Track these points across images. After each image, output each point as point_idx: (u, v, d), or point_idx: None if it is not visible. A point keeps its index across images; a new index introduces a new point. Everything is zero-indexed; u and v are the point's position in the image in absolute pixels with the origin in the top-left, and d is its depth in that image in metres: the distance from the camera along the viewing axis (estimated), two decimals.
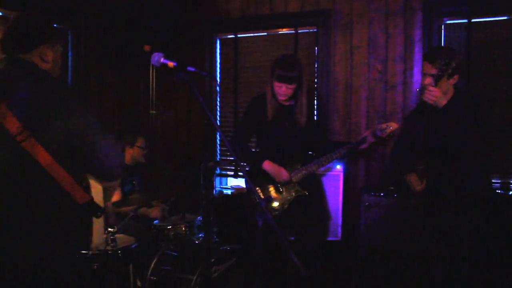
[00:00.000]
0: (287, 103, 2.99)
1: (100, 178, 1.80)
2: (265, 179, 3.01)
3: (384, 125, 2.92)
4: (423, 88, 2.51)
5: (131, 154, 3.51)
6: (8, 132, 1.54)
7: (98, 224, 1.78)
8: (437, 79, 2.41)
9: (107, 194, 1.96)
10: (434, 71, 2.43)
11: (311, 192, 3.13)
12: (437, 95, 2.39)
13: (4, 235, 1.61)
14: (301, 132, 3.05)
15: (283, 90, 2.87)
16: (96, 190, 1.81)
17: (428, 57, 2.52)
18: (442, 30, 3.57)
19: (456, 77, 2.47)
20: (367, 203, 3.39)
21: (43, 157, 1.55)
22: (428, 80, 2.48)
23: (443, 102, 2.44)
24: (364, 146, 2.97)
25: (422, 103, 2.59)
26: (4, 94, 1.57)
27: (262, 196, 2.97)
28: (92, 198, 1.71)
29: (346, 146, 2.95)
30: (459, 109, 2.45)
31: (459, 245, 2.54)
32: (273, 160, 2.99)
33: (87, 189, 1.72)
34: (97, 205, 1.73)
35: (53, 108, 1.58)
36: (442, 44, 3.56)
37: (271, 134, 3.04)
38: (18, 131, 1.53)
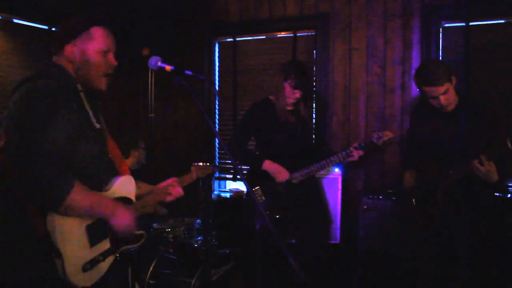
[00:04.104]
0: (291, 108, 3.03)
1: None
2: (265, 180, 3.00)
3: (380, 133, 2.95)
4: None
5: (137, 157, 3.49)
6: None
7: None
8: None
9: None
10: (443, 89, 2.41)
11: (312, 195, 3.13)
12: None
13: None
14: (303, 136, 3.07)
15: (296, 96, 2.95)
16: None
17: (427, 82, 2.45)
18: (440, 33, 3.58)
19: (453, 78, 2.47)
20: (365, 206, 3.39)
21: None
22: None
23: (451, 106, 2.49)
24: (359, 153, 2.96)
25: (426, 103, 2.59)
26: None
27: (264, 198, 2.98)
28: (46, 234, 1.39)
29: (345, 151, 2.95)
30: (466, 114, 2.47)
31: (458, 246, 2.54)
32: (275, 162, 3.00)
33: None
34: (52, 244, 1.40)
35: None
36: (440, 47, 3.57)
37: (275, 137, 3.04)
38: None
